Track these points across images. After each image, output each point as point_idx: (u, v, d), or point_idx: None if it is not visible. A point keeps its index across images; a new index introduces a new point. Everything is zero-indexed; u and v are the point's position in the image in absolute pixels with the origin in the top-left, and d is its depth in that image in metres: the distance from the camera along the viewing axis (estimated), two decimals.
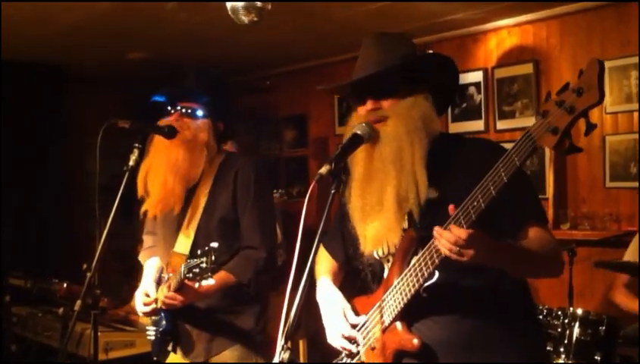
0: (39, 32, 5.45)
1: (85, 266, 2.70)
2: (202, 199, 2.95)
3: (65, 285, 4.66)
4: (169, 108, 3.00)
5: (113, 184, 2.75)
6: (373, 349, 2.13)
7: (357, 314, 2.23)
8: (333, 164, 1.96)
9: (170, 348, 3.02)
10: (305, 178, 6.88)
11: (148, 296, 2.95)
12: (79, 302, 2.66)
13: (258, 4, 4.03)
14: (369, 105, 2.16)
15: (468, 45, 5.68)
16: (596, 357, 3.72)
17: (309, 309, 2.32)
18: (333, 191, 1.96)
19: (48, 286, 4.84)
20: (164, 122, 2.95)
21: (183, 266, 2.66)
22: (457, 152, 2.12)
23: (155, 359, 3.08)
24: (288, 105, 7.22)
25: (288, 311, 1.83)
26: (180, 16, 5.00)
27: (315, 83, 6.79)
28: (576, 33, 5.04)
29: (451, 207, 1.83)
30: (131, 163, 2.78)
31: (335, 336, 2.24)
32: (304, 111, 7.07)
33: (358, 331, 2.20)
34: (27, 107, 6.51)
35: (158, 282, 3.00)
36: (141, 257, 3.25)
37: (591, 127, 1.71)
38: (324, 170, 1.95)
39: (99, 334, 3.04)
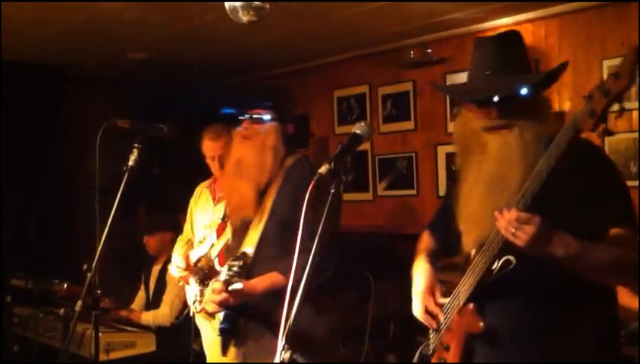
0: (39, 32, 5.45)
1: (85, 266, 2.71)
2: (268, 202, 3.01)
3: (66, 285, 4.67)
4: (239, 117, 3.08)
5: (113, 184, 2.76)
6: (450, 330, 2.20)
7: (447, 295, 2.28)
8: (333, 164, 1.97)
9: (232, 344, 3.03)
10: None
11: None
12: (80, 302, 2.67)
13: (257, 3, 4.03)
14: (494, 114, 2.13)
15: (466, 44, 5.67)
16: None
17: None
18: (332, 190, 1.97)
19: (49, 286, 4.84)
20: (236, 131, 3.07)
21: (224, 267, 2.77)
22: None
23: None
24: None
25: (289, 311, 1.84)
26: (181, 17, 5.00)
27: (315, 83, 6.90)
28: (576, 32, 5.04)
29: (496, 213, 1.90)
30: (131, 163, 2.79)
31: (419, 310, 2.31)
32: (304, 111, 7.07)
33: (443, 311, 2.26)
34: (27, 107, 6.51)
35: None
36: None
37: (621, 110, 1.83)
38: (323, 169, 1.96)
39: (100, 334, 3.05)
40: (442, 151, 5.80)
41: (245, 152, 3.01)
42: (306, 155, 3.20)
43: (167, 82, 7.21)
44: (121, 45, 5.93)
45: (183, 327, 4.72)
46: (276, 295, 2.86)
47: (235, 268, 2.64)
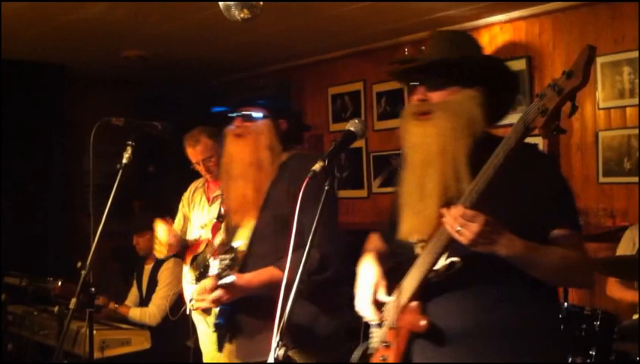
0: (39, 32, 5.45)
1: (80, 264, 2.70)
2: (262, 196, 2.98)
3: (60, 283, 4.65)
4: (231, 115, 3.04)
5: (107, 182, 2.76)
6: (392, 328, 2.16)
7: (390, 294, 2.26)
8: (326, 161, 1.97)
9: (227, 340, 3.02)
10: None
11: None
12: (74, 300, 2.66)
13: (251, 1, 4.04)
14: (418, 95, 2.15)
15: None
16: (591, 352, 3.72)
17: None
18: (327, 187, 1.98)
19: (43, 284, 4.83)
20: (228, 130, 3.02)
21: (214, 262, 2.73)
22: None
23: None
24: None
25: (283, 308, 1.84)
26: (176, 15, 5.00)
27: (309, 81, 6.90)
28: (569, 29, 5.05)
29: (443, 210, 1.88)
30: (124, 161, 2.79)
31: (362, 304, 2.27)
32: (299, 108, 7.07)
33: (384, 309, 2.23)
34: (27, 106, 6.51)
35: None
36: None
37: (574, 109, 1.82)
38: (317, 167, 1.96)
39: (95, 332, 3.04)
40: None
41: (240, 152, 2.97)
42: (301, 151, 3.19)
43: (163, 80, 7.20)
44: (116, 44, 5.93)
45: (179, 325, 4.72)
46: (274, 290, 2.88)
47: (226, 262, 2.60)
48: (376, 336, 2.26)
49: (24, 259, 6.16)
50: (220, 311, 2.98)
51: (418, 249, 2.15)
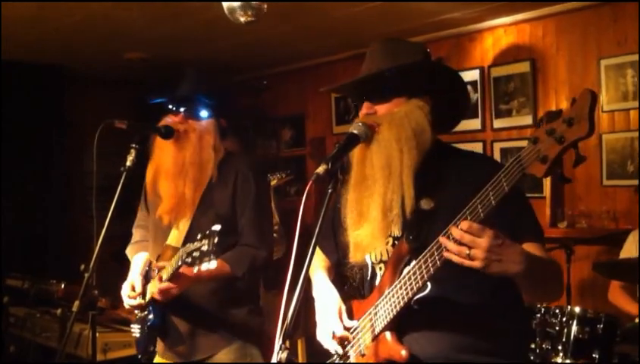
0: (40, 33, 5.45)
1: (83, 267, 2.70)
2: (198, 195, 2.92)
3: (63, 286, 4.66)
4: (171, 108, 2.97)
5: (110, 185, 2.75)
6: (363, 356, 2.12)
7: (351, 317, 2.22)
8: (330, 164, 1.96)
9: (153, 348, 2.99)
10: (303, 178, 6.88)
11: (134, 290, 2.93)
12: (77, 302, 2.66)
13: (255, 3, 4.03)
14: (365, 108, 2.15)
15: (464, 43, 5.68)
16: (594, 355, 3.72)
17: (308, 308, 2.32)
18: (330, 190, 1.97)
19: (46, 287, 4.83)
20: (167, 123, 2.93)
21: (181, 251, 2.61)
22: (453, 164, 2.12)
23: (140, 357, 3.06)
24: (285, 105, 7.23)
25: (286, 310, 1.83)
26: (178, 16, 5.00)
27: (312, 83, 6.89)
28: (573, 32, 5.05)
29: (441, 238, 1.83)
30: (128, 163, 2.77)
31: (327, 335, 2.22)
32: (301, 110, 7.07)
33: (351, 334, 2.18)
34: (28, 107, 6.52)
35: (146, 276, 2.97)
36: (129, 251, 3.21)
37: (580, 159, 1.71)
38: (321, 169, 1.95)
39: (97, 334, 3.04)
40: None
41: (182, 149, 2.89)
42: (234, 151, 3.10)
43: (164, 81, 7.19)
44: (116, 45, 5.93)
45: None
46: (214, 291, 2.84)
47: (204, 248, 2.44)
48: (339, 360, 2.22)
49: (24, 260, 6.16)
50: (153, 310, 2.93)
51: (378, 270, 2.14)
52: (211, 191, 2.93)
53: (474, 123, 5.55)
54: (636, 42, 4.61)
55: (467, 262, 1.77)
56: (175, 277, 2.73)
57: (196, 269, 2.50)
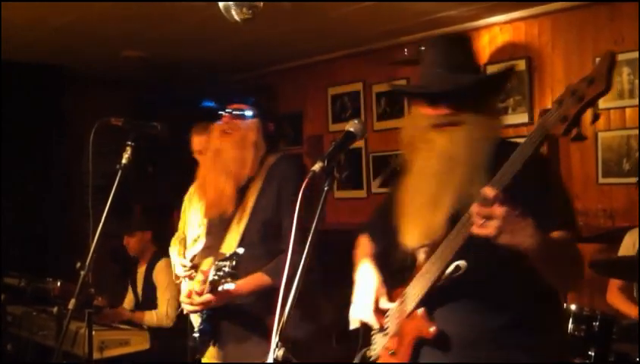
0: (39, 33, 5.45)
1: (79, 265, 2.70)
2: (250, 201, 2.98)
3: (59, 284, 4.66)
4: (219, 112, 3.04)
5: (106, 183, 2.75)
6: (396, 335, 2.16)
7: (392, 301, 2.25)
8: (326, 162, 1.97)
9: (202, 352, 3.02)
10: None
11: (190, 296, 2.97)
12: (73, 300, 2.66)
13: (250, 2, 4.03)
14: (444, 110, 2.14)
15: None
16: (590, 353, 3.72)
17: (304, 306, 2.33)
18: (326, 188, 1.98)
19: (42, 285, 4.83)
20: (216, 126, 3.03)
21: (212, 268, 2.69)
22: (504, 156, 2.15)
23: (197, 358, 3.09)
24: (283, 103, 7.21)
25: (282, 308, 1.84)
26: (177, 15, 5.00)
27: (309, 81, 6.88)
28: (569, 30, 5.05)
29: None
30: (124, 161, 2.78)
31: (362, 311, 2.26)
32: (299, 109, 7.07)
33: (386, 315, 2.23)
34: (27, 107, 6.52)
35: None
36: (198, 257, 3.34)
37: (596, 116, 1.81)
38: (317, 167, 1.96)
39: (94, 332, 3.05)
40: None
41: (224, 147, 2.97)
42: (289, 154, 3.19)
43: (163, 80, 7.20)
44: (115, 44, 5.93)
45: (178, 325, 4.72)
46: (261, 297, 2.85)
47: (226, 269, 2.58)
48: (378, 343, 2.26)
49: (24, 259, 6.16)
50: (207, 315, 2.97)
51: (420, 254, 2.15)
52: (261, 197, 2.98)
53: None
54: (633, 40, 4.62)
55: (482, 231, 1.80)
56: (212, 290, 2.77)
57: (220, 288, 2.63)
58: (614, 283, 4.31)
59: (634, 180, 4.48)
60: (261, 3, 4.08)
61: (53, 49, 6.05)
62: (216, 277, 2.63)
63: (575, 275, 2.10)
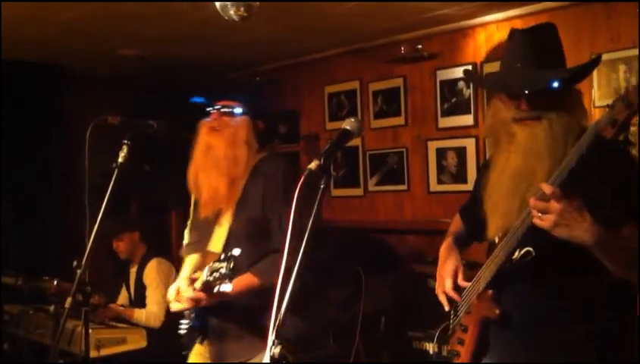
0: (37, 32, 5.44)
1: (75, 263, 2.70)
2: (236, 198, 2.98)
3: (56, 283, 4.66)
4: (208, 108, 3.05)
5: (103, 181, 2.76)
6: (469, 313, 2.28)
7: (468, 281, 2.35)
8: (322, 160, 1.98)
9: (199, 342, 3.04)
10: (296, 174, 6.88)
11: (178, 293, 2.98)
12: (69, 299, 2.66)
13: (247, 0, 4.04)
14: (524, 105, 2.15)
15: (457, 40, 5.69)
16: None
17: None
18: (322, 186, 1.98)
19: (39, 283, 4.83)
20: (204, 123, 3.02)
21: (207, 268, 2.69)
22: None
23: (184, 353, 3.11)
24: (279, 101, 7.22)
25: (279, 305, 1.84)
26: (173, 14, 5.00)
27: (306, 79, 6.88)
28: (565, 28, 5.02)
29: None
30: (120, 160, 2.78)
31: (440, 289, 2.40)
32: (295, 107, 7.07)
33: (463, 294, 2.34)
34: (27, 107, 6.50)
35: (194, 280, 3.03)
36: (183, 252, 3.28)
37: None
38: (313, 165, 1.97)
39: (91, 330, 3.05)
40: (432, 146, 5.80)
41: (216, 144, 2.97)
42: (275, 152, 3.17)
43: (162, 79, 7.20)
44: (114, 43, 5.92)
45: (174, 323, 4.72)
46: (250, 295, 2.85)
47: (223, 270, 2.56)
48: (453, 319, 2.38)
49: (24, 259, 6.16)
50: (194, 313, 2.97)
51: (496, 239, 2.23)
52: (246, 194, 2.98)
53: (467, 119, 5.56)
54: (630, 38, 4.63)
55: (540, 223, 1.88)
56: (205, 289, 2.78)
57: (215, 289, 2.62)
58: None
59: None
60: (257, 2, 4.08)
61: (51, 48, 6.04)
62: (211, 279, 2.62)
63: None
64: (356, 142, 6.22)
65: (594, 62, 2.28)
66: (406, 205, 6.05)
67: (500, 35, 5.42)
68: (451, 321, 2.39)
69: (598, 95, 4.82)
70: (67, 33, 5.55)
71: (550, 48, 2.23)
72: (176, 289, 3.00)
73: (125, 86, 7.24)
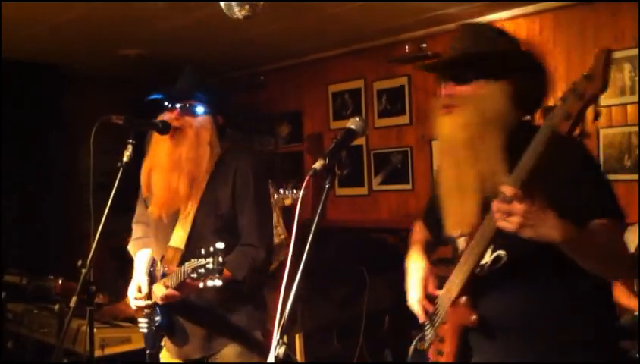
0: (37, 31, 5.44)
1: (80, 262, 2.70)
2: (198, 194, 2.93)
3: (60, 281, 4.65)
4: (167, 104, 2.97)
5: (107, 181, 2.75)
6: (444, 323, 2.21)
7: (441, 287, 2.29)
8: (327, 159, 1.97)
9: (162, 343, 3.02)
10: (301, 174, 6.89)
11: (140, 291, 2.95)
12: (74, 298, 2.66)
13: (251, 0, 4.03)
14: (446, 89, 2.16)
15: None
16: None
17: (305, 304, 2.33)
18: (327, 185, 1.98)
19: (43, 282, 4.82)
20: (163, 121, 2.92)
21: (185, 265, 2.63)
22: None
23: (148, 352, 3.08)
24: (282, 101, 7.23)
25: (283, 305, 1.84)
26: (175, 13, 4.99)
27: (309, 79, 6.88)
28: (570, 27, 5.05)
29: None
30: (125, 159, 2.76)
31: (412, 301, 2.33)
32: (298, 106, 7.07)
33: (436, 303, 2.27)
34: (26, 107, 6.51)
35: (150, 275, 3.00)
36: (131, 247, 3.22)
37: (596, 114, 1.78)
38: (318, 165, 1.96)
39: (95, 330, 3.03)
40: (437, 145, 5.79)
41: (177, 145, 2.89)
42: (239, 147, 3.09)
43: (162, 79, 7.19)
44: (114, 43, 5.93)
45: None
46: (213, 290, 2.76)
47: (210, 266, 2.50)
48: (428, 330, 2.31)
49: (24, 259, 6.16)
50: (160, 310, 2.95)
51: (461, 243, 2.19)
52: (211, 190, 2.93)
53: None
54: (634, 37, 4.62)
55: (505, 225, 1.82)
56: (179, 286, 2.75)
57: (201, 285, 2.56)
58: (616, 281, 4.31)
59: (635, 176, 4.48)
60: (262, 2, 4.08)
61: (51, 48, 6.04)
62: (195, 275, 2.56)
63: (619, 264, 2.07)
64: (360, 141, 6.22)
65: (511, 48, 2.20)
66: (410, 205, 6.05)
67: None
68: (427, 332, 2.32)
69: (603, 95, 4.80)
70: (67, 33, 5.55)
71: (488, 38, 2.18)
72: (137, 286, 2.97)
73: (125, 86, 7.24)
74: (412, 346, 2.40)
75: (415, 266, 2.38)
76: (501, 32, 2.22)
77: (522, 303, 2.07)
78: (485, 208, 2.00)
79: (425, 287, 2.29)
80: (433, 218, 2.40)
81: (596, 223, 1.96)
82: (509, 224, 1.82)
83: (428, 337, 2.31)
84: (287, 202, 5.12)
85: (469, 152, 2.04)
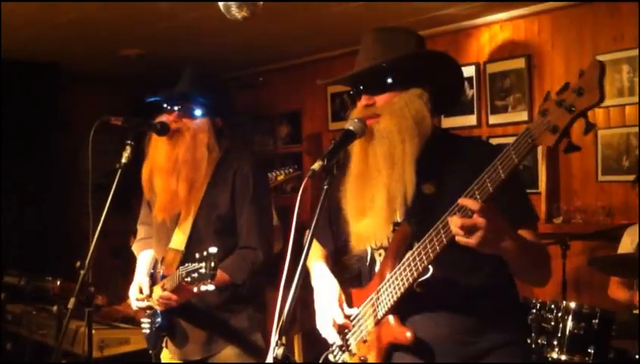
0: (37, 31, 5.44)
1: (78, 264, 2.69)
2: (198, 196, 2.93)
3: (59, 283, 4.65)
4: (166, 106, 2.96)
5: (106, 181, 2.75)
6: (365, 341, 2.14)
7: (350, 305, 2.23)
8: (325, 160, 1.97)
9: (163, 344, 3.03)
10: (299, 174, 6.87)
11: (141, 292, 2.96)
12: (72, 299, 2.65)
13: (251, 0, 4.03)
14: (364, 100, 2.17)
15: (460, 39, 5.68)
16: (589, 350, 3.72)
17: (304, 304, 2.32)
18: (326, 186, 1.97)
19: (42, 283, 4.82)
20: (162, 123, 2.92)
21: (180, 269, 2.63)
22: (455, 149, 2.14)
23: (150, 352, 3.08)
24: (282, 102, 7.22)
25: (282, 306, 1.84)
26: (175, 13, 5.00)
27: (308, 79, 6.89)
28: (568, 28, 5.05)
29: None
30: (123, 160, 2.76)
31: (327, 324, 2.23)
32: (298, 107, 7.07)
33: (351, 322, 2.20)
34: (26, 106, 6.51)
35: (152, 277, 3.01)
36: (135, 248, 3.25)
37: (590, 127, 1.74)
38: (316, 166, 1.95)
39: (94, 331, 3.04)
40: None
41: (176, 148, 2.88)
42: (238, 148, 3.08)
43: (162, 79, 7.19)
44: (114, 42, 5.93)
45: None
46: (212, 293, 2.75)
47: (203, 270, 2.49)
48: (337, 351, 2.24)
49: (24, 259, 6.17)
50: (161, 312, 2.95)
51: (377, 256, 2.16)
52: (212, 191, 2.93)
53: (469, 119, 5.56)
54: (633, 38, 4.62)
55: (466, 241, 1.78)
56: (177, 289, 2.76)
57: (195, 290, 2.56)
58: (615, 279, 4.32)
59: (633, 177, 4.48)
60: (261, 3, 4.08)
61: (51, 48, 6.05)
62: (189, 280, 2.56)
63: (547, 270, 2.10)
64: None
65: (424, 53, 2.20)
66: None
67: (504, 35, 5.42)
68: (335, 352, 2.24)
69: None
70: (67, 33, 5.55)
71: (392, 45, 2.15)
72: (137, 287, 2.98)
73: (124, 85, 7.24)
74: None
75: (326, 286, 2.31)
76: (408, 37, 2.20)
77: (450, 316, 2.04)
78: (396, 222, 2.01)
79: (340, 308, 2.21)
80: (329, 231, 2.38)
81: (522, 232, 1.98)
82: (471, 240, 1.78)
83: (339, 358, 2.23)
84: (280, 178, 5.06)
85: (389, 162, 2.04)
